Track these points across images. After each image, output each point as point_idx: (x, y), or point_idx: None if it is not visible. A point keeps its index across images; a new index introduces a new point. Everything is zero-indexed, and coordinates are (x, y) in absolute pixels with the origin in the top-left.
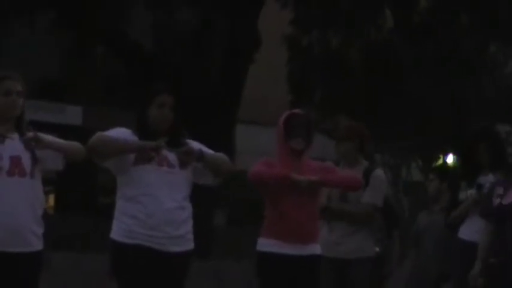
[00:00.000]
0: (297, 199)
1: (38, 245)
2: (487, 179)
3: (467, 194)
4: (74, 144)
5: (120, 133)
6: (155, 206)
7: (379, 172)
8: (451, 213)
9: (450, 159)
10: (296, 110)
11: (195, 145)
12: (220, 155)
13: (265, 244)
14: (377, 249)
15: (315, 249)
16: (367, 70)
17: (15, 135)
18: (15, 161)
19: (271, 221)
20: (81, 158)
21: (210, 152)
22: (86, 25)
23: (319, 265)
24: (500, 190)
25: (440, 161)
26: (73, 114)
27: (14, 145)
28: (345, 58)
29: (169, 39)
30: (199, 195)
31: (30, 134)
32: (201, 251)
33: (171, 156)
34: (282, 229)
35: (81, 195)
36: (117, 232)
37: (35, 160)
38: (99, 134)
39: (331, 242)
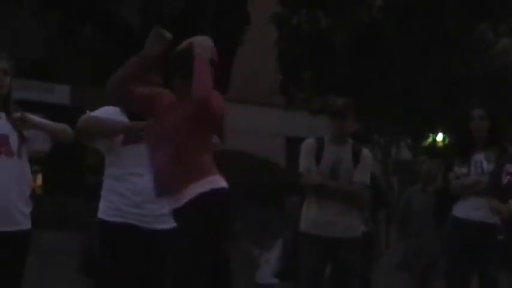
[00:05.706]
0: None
1: (25, 224)
2: (480, 157)
3: (459, 171)
4: (62, 126)
5: (109, 113)
6: (142, 184)
7: (367, 151)
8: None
9: (440, 137)
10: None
11: None
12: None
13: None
14: (363, 228)
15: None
16: (356, 50)
17: (2, 115)
18: (2, 140)
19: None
20: (69, 140)
21: None
22: (75, 5)
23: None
24: (510, 168)
25: (430, 140)
26: (61, 94)
27: (1, 125)
28: (334, 38)
29: (158, 19)
30: None
31: (17, 114)
32: None
33: None
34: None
35: (69, 174)
36: (104, 211)
37: (22, 140)
38: (87, 115)
39: (324, 221)
